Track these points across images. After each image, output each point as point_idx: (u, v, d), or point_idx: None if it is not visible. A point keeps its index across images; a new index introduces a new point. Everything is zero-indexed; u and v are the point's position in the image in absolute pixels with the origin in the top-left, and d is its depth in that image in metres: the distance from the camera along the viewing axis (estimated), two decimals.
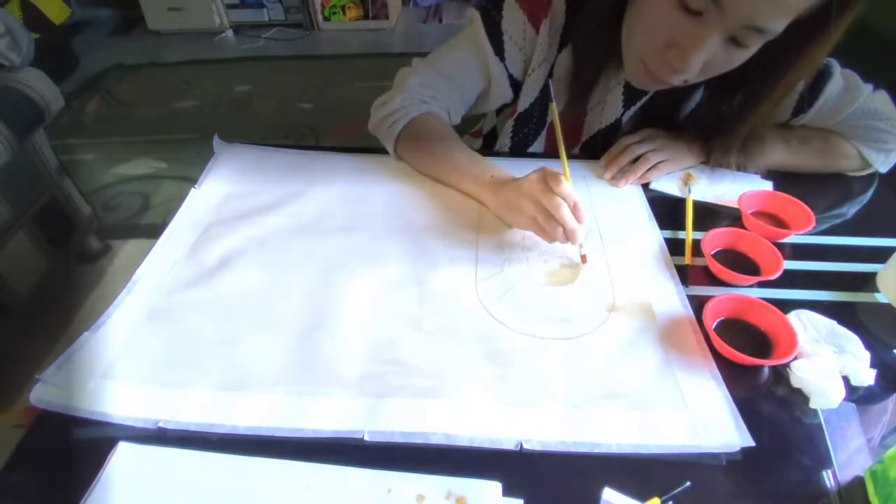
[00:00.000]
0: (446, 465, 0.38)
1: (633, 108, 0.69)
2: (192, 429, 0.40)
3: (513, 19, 0.64)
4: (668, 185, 0.67)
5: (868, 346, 0.44)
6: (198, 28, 2.90)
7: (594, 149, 0.73)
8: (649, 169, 0.66)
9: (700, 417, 0.41)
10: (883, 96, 0.66)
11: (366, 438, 0.39)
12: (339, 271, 0.53)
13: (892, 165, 0.68)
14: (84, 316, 0.49)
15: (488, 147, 0.84)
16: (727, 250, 0.56)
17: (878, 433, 0.41)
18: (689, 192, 0.65)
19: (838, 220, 0.63)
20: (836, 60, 0.63)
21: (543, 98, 0.70)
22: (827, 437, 0.40)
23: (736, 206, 0.61)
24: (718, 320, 0.48)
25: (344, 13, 2.91)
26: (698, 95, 0.69)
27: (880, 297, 0.52)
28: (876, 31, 1.03)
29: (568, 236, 0.52)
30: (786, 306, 0.47)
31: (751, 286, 0.52)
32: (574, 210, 0.51)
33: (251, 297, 0.51)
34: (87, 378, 0.43)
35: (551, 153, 0.75)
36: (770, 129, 0.66)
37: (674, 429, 0.40)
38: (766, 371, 0.45)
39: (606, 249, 0.57)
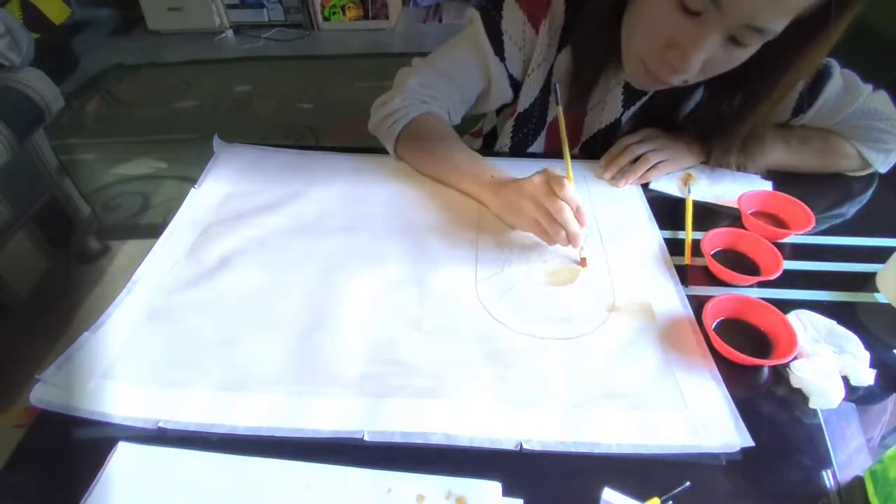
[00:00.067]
0: (446, 465, 0.38)
1: (633, 108, 0.69)
2: (192, 429, 0.40)
3: (513, 19, 0.64)
4: (667, 185, 0.67)
5: (868, 346, 0.44)
6: (198, 28, 2.90)
7: (594, 149, 0.73)
8: (649, 169, 0.66)
9: (700, 417, 0.41)
10: (883, 96, 0.66)
11: (366, 438, 0.39)
12: (339, 271, 0.53)
13: (891, 165, 0.68)
14: (84, 316, 0.49)
15: (488, 147, 0.84)
16: (727, 250, 0.56)
17: (877, 433, 0.41)
18: (689, 192, 0.65)
19: (838, 220, 0.63)
20: (836, 60, 0.63)
21: (543, 98, 0.70)
22: (827, 437, 0.40)
23: (736, 206, 0.61)
24: (718, 320, 0.48)
25: (344, 13, 2.91)
26: (698, 95, 0.69)
27: (880, 297, 0.52)
28: (876, 31, 1.03)
29: (570, 240, 0.52)
30: (786, 306, 0.47)
31: (751, 286, 0.53)
32: (577, 214, 0.51)
33: (251, 297, 0.51)
34: (87, 378, 0.43)
35: (551, 153, 0.75)
36: (770, 129, 0.66)
37: (674, 429, 0.40)
38: (765, 371, 0.45)
39: (606, 249, 0.57)
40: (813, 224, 0.57)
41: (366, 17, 2.93)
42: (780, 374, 0.44)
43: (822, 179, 0.69)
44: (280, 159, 0.70)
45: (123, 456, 0.38)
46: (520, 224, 0.56)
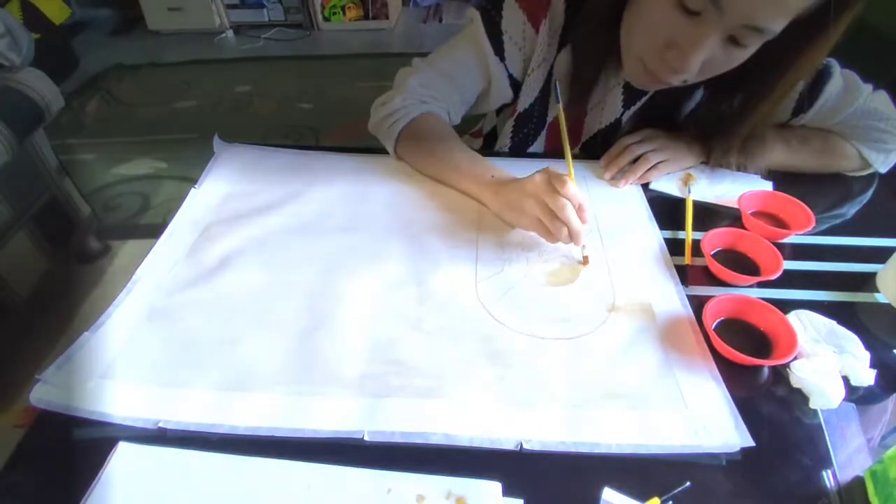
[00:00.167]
0: (446, 465, 0.38)
1: (633, 108, 0.69)
2: (192, 429, 0.40)
3: (512, 19, 0.64)
4: (668, 185, 0.67)
5: (868, 346, 0.44)
6: (198, 28, 2.90)
7: (594, 149, 0.73)
8: (649, 169, 0.66)
9: (700, 417, 0.41)
10: (883, 96, 0.66)
11: (366, 438, 0.39)
12: (339, 271, 0.53)
13: (891, 165, 0.68)
14: (84, 316, 0.49)
15: (488, 147, 0.84)
16: (727, 250, 0.56)
17: (877, 433, 0.41)
18: (689, 192, 0.65)
19: (838, 220, 0.63)
20: (836, 60, 0.63)
21: (543, 98, 0.70)
22: (827, 437, 0.40)
23: (736, 206, 0.61)
24: (718, 320, 0.48)
25: (344, 13, 2.91)
26: (698, 95, 0.69)
27: (880, 297, 0.52)
28: (876, 31, 1.03)
29: (572, 237, 0.52)
30: (786, 306, 0.47)
31: (751, 286, 0.52)
32: (579, 211, 0.51)
33: (251, 297, 0.51)
34: (87, 378, 0.43)
35: (551, 153, 0.75)
36: (770, 129, 0.66)
37: (674, 429, 0.40)
38: (765, 371, 0.45)
39: (606, 249, 0.57)
40: (813, 224, 0.57)
41: (366, 17, 2.94)
42: (780, 374, 0.44)
43: (822, 179, 0.69)
44: (280, 159, 0.70)
45: (123, 456, 0.38)
46: (521, 223, 0.56)
